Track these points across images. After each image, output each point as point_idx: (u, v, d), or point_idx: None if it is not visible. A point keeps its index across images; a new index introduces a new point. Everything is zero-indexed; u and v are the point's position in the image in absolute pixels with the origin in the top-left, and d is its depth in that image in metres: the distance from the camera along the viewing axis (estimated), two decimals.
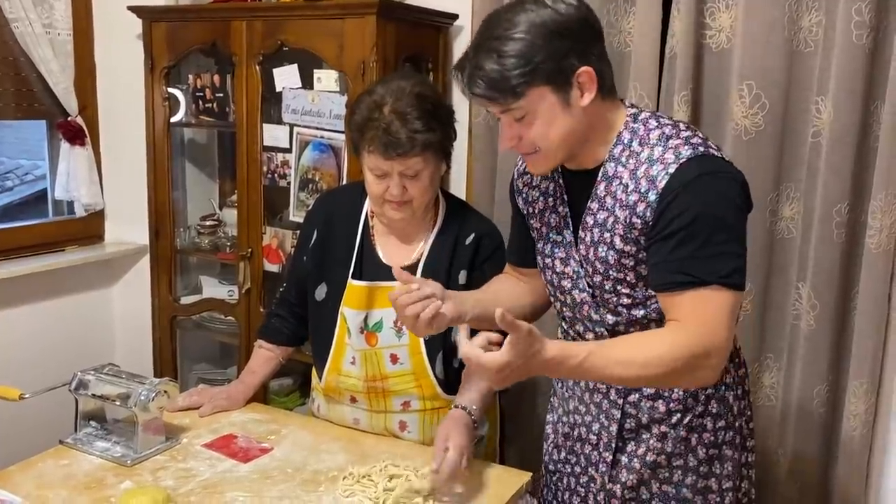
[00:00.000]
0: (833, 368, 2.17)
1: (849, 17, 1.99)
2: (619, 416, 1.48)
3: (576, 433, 1.56)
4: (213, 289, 2.94)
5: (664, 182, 1.29)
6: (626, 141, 1.36)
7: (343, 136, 2.43)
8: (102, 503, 1.41)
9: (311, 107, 2.49)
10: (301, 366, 2.60)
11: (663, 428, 1.47)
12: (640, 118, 1.39)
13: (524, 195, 1.57)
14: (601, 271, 1.40)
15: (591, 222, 1.40)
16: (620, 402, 1.48)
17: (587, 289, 1.43)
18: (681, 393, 1.45)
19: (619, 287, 1.39)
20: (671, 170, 1.29)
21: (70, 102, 2.88)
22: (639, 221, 1.32)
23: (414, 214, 1.71)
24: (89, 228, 3.09)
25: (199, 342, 3.08)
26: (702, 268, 1.26)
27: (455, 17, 2.59)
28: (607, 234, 1.37)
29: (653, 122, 1.38)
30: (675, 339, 1.25)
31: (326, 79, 2.46)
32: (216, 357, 3.14)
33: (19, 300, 2.80)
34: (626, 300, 1.40)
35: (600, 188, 1.38)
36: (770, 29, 2.11)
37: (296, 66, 2.51)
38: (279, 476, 1.53)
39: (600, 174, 1.37)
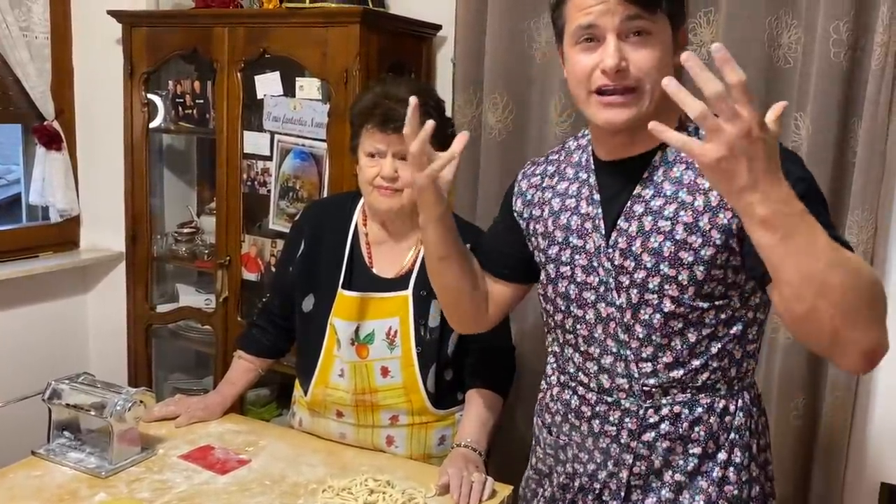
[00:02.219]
0: (810, 381, 2.19)
1: (827, 35, 2.02)
2: (630, 460, 1.33)
3: (576, 483, 1.42)
4: (190, 297, 2.91)
5: None
6: (690, 127, 1.25)
7: (324, 145, 2.42)
8: None
9: (293, 115, 2.47)
10: (278, 376, 2.58)
11: (678, 477, 1.32)
12: None
13: (526, 197, 1.44)
14: (648, 266, 1.25)
15: (641, 210, 1.26)
16: (634, 444, 1.32)
17: (617, 300, 1.29)
18: (701, 434, 1.30)
19: (665, 287, 1.24)
20: None
21: (46, 106, 2.84)
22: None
23: (404, 207, 1.69)
24: (64, 234, 3.04)
25: (175, 351, 3.04)
26: (835, 233, 1.09)
27: (438, 27, 2.60)
28: (665, 223, 1.23)
29: None
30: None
31: (309, 87, 2.45)
32: (192, 366, 3.10)
33: None
34: (668, 305, 1.25)
35: (657, 173, 1.26)
36: (750, 45, 2.13)
37: (278, 73, 2.49)
38: (257, 488, 1.51)
39: (657, 158, 1.26)
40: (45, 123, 2.85)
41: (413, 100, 1.26)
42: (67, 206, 2.96)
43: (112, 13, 2.69)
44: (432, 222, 1.37)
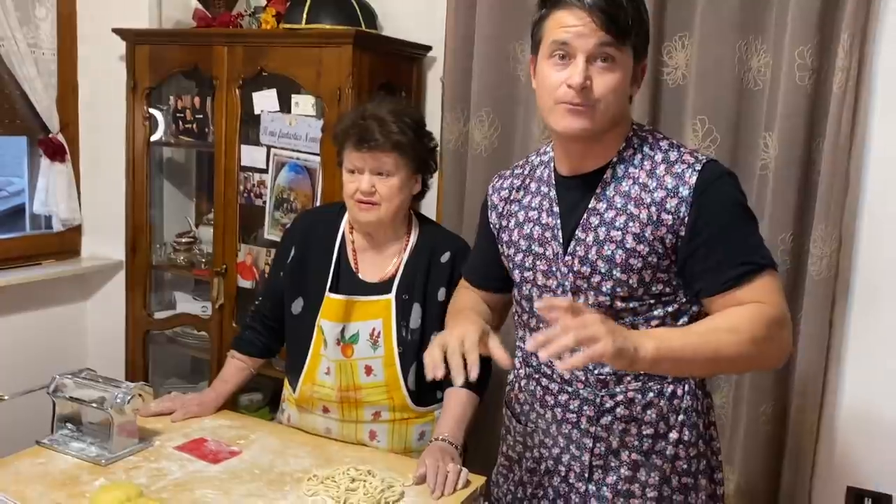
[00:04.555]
0: (779, 387, 2.28)
1: (792, 59, 2.14)
2: (590, 444, 1.47)
3: (542, 467, 1.55)
4: (187, 304, 3.00)
5: (695, 178, 1.35)
6: (635, 145, 1.42)
7: (318, 159, 2.53)
8: (78, 498, 1.47)
9: (289, 130, 2.59)
10: (271, 381, 2.66)
11: (635, 456, 1.47)
12: (644, 129, 1.47)
13: (499, 209, 1.58)
14: (603, 271, 1.39)
15: (597, 222, 1.40)
16: (592, 429, 1.47)
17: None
18: (653, 416, 1.45)
19: (617, 290, 1.39)
20: (698, 168, 1.36)
21: (52, 120, 2.93)
22: (669, 217, 1.35)
23: (382, 220, 1.80)
24: (66, 243, 3.13)
25: (172, 357, 3.13)
26: (756, 255, 1.34)
27: (428, 48, 2.71)
28: (616, 233, 1.38)
29: (658, 134, 1.47)
30: (756, 311, 1.29)
31: (304, 103, 2.57)
32: (187, 372, 3.19)
33: None
34: (619, 304, 1.40)
35: (609, 188, 1.41)
36: (722, 68, 2.25)
37: (274, 90, 2.61)
38: (247, 476, 1.60)
39: (608, 175, 1.41)
40: (50, 136, 2.95)
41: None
42: (69, 216, 3.05)
43: (116, 31, 2.80)
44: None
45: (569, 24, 1.32)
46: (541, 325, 1.50)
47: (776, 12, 2.20)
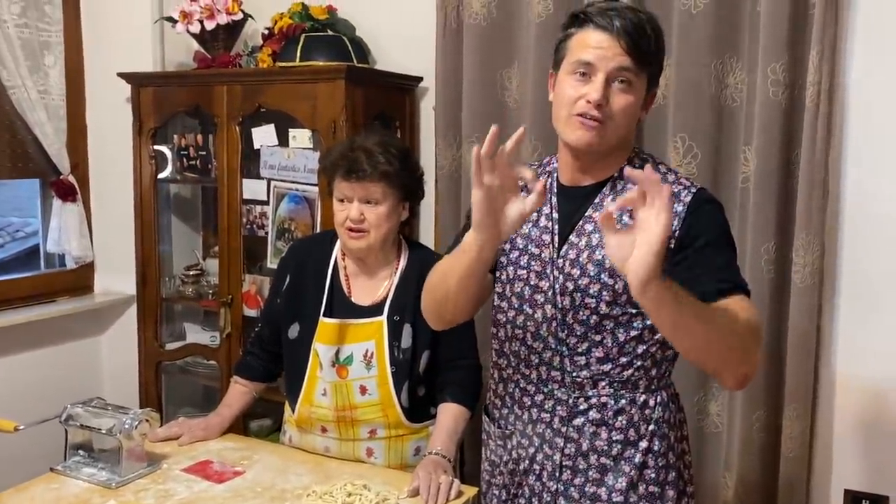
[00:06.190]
0: (770, 394, 2.34)
1: (766, 76, 2.22)
2: (561, 443, 1.53)
3: (521, 467, 1.61)
4: (197, 335, 3.09)
5: (689, 197, 1.45)
6: (636, 165, 1.50)
7: (316, 189, 2.63)
8: None
9: (287, 163, 2.69)
10: (280, 407, 2.74)
11: (603, 460, 1.52)
12: (644, 153, 1.58)
13: None
14: (591, 274, 1.47)
15: (591, 228, 1.49)
16: (564, 429, 1.53)
17: (560, 303, 1.50)
18: (624, 422, 1.51)
19: (603, 293, 1.46)
20: (693, 190, 1.47)
21: (63, 162, 3.04)
22: None
23: (371, 246, 1.90)
24: (79, 280, 3.22)
25: (184, 386, 3.22)
26: (736, 277, 1.41)
27: (420, 79, 2.81)
28: None
29: (657, 159, 1.58)
30: (742, 311, 1.32)
31: (300, 137, 2.67)
32: (199, 400, 3.27)
33: (13, 349, 2.93)
34: (603, 308, 1.46)
35: (607, 199, 1.49)
36: (700, 86, 2.33)
37: (272, 125, 2.72)
38: (249, 494, 1.68)
39: (608, 187, 1.51)
40: (62, 177, 3.05)
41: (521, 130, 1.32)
42: (82, 254, 3.15)
43: (121, 75, 2.92)
44: (476, 247, 1.37)
45: (594, 45, 1.42)
46: (527, 323, 1.55)
47: (748, 32, 2.29)
